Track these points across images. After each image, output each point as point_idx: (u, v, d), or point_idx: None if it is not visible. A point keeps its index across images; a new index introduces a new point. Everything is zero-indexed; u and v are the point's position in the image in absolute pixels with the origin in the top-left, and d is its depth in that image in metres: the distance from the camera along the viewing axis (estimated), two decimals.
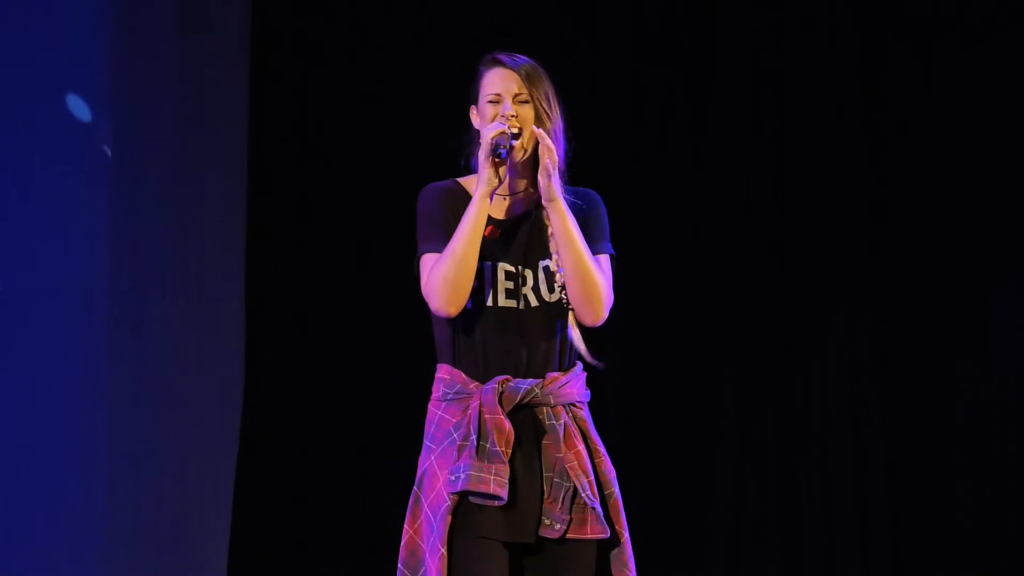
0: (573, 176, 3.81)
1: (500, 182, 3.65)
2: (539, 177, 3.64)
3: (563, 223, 3.64)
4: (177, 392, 6.38)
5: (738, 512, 6.29)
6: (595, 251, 3.73)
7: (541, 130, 3.66)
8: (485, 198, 3.64)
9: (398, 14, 6.39)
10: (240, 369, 6.39)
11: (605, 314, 3.71)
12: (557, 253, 3.70)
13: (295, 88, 6.41)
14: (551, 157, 3.62)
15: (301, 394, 6.34)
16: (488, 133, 3.63)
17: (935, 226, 6.24)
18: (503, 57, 3.75)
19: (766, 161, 6.36)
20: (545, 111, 3.70)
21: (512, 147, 3.64)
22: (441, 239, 3.66)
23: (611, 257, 3.78)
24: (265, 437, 6.35)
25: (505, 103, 3.70)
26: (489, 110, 3.71)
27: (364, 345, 6.27)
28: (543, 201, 3.65)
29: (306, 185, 6.39)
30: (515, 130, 3.67)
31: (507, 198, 3.77)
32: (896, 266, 6.26)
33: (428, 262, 3.68)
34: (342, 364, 6.33)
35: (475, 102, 3.78)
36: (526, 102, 3.71)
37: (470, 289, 3.63)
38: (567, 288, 3.68)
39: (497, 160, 3.62)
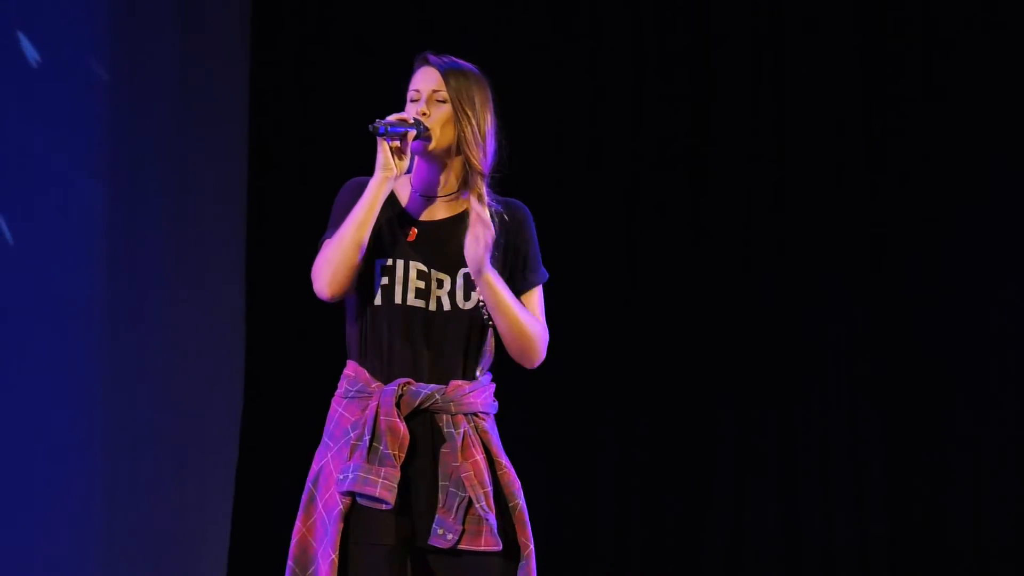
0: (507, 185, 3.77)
1: (399, 171, 3.59)
2: (467, 244, 3.56)
3: (496, 296, 3.58)
4: (176, 393, 6.40)
5: (737, 518, 6.24)
6: (530, 284, 3.69)
7: (476, 200, 3.59)
8: (381, 184, 3.58)
9: (400, 5, 6.40)
10: (240, 370, 6.40)
11: (543, 356, 3.68)
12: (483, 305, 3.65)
13: (296, 83, 6.41)
14: (488, 234, 3.54)
15: (301, 395, 6.33)
16: (389, 118, 3.58)
17: (936, 232, 6.21)
18: (431, 56, 3.71)
19: (767, 168, 6.33)
20: (465, 113, 3.63)
21: (406, 134, 3.58)
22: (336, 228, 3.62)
23: (544, 284, 3.74)
24: (265, 438, 6.35)
25: (422, 100, 3.66)
26: (409, 108, 3.67)
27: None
28: (472, 273, 3.58)
29: (308, 184, 6.40)
30: (425, 125, 3.61)
31: (427, 200, 3.72)
32: (895, 274, 6.23)
33: (323, 248, 3.65)
34: (343, 364, 6.31)
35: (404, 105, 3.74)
36: (444, 101, 3.65)
37: (351, 275, 3.58)
38: (505, 343, 3.65)
39: (390, 141, 3.56)
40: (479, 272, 3.57)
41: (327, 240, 3.65)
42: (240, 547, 6.34)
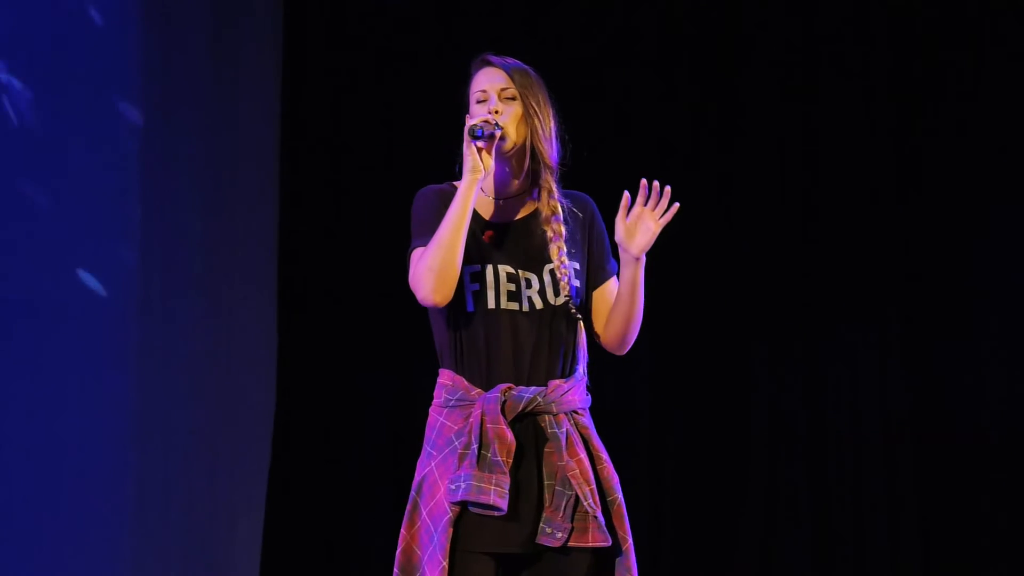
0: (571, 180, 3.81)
1: (486, 171, 3.61)
2: (638, 231, 3.60)
3: (639, 280, 3.64)
4: (209, 393, 6.39)
5: (769, 516, 6.29)
6: (608, 275, 3.74)
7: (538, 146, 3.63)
8: (472, 186, 3.59)
9: (430, 11, 6.40)
10: (272, 371, 6.40)
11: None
12: (561, 261, 3.67)
13: (327, 91, 6.40)
14: (655, 224, 3.60)
15: (334, 400, 6.35)
16: (471, 120, 3.60)
17: (968, 230, 6.23)
18: (492, 57, 3.73)
19: (797, 164, 6.36)
20: (534, 109, 3.66)
21: (494, 135, 3.59)
22: (431, 235, 3.62)
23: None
24: (297, 438, 6.36)
25: (491, 99, 3.68)
26: (477, 109, 3.68)
27: (397, 351, 6.25)
28: (634, 255, 3.61)
29: (339, 189, 6.39)
30: (497, 120, 3.64)
31: (500, 201, 3.74)
32: (928, 274, 6.26)
33: (416, 256, 3.64)
34: (375, 370, 6.33)
35: (466, 107, 3.75)
36: (513, 98, 3.68)
37: (455, 278, 3.59)
38: (610, 326, 3.70)
39: (479, 143, 3.58)
40: (637, 259, 3.61)
41: (418, 248, 3.65)
42: (272, 553, 6.35)
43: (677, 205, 3.62)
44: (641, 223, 3.60)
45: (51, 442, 5.93)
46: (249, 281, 6.46)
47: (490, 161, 3.61)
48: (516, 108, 3.68)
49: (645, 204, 3.61)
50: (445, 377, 3.70)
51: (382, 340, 6.27)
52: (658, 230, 3.61)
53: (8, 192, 5.86)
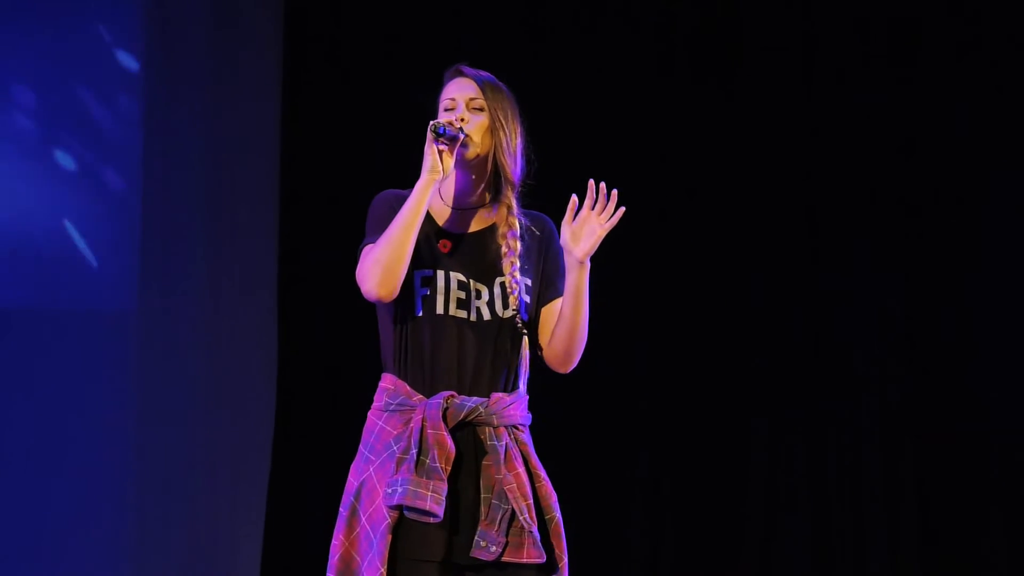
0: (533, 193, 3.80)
1: (444, 174, 3.60)
2: (583, 234, 3.57)
3: (581, 290, 3.61)
4: (209, 402, 6.37)
5: (769, 521, 6.28)
6: (558, 293, 3.71)
7: (500, 159, 3.63)
8: (428, 186, 3.58)
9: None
10: (272, 379, 6.38)
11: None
12: (512, 276, 3.67)
13: (330, 83, 6.39)
14: (601, 227, 3.57)
15: (334, 401, 6.32)
16: (433, 122, 3.58)
17: (971, 222, 6.25)
18: (465, 68, 3.73)
19: (797, 168, 6.39)
20: (501, 123, 3.66)
21: (457, 137, 3.58)
22: (377, 235, 3.62)
23: None
24: (298, 442, 6.33)
25: (459, 107, 3.68)
26: (444, 116, 3.68)
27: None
28: (577, 259, 3.57)
29: (340, 186, 6.38)
30: (462, 126, 3.64)
31: (459, 212, 3.73)
32: (930, 272, 6.26)
33: (366, 252, 3.64)
34: (376, 371, 6.30)
35: (435, 115, 3.75)
36: (481, 109, 3.68)
37: (402, 275, 3.57)
38: (554, 340, 3.67)
39: (440, 144, 3.57)
40: (581, 263, 3.58)
41: (369, 245, 3.64)
42: (273, 548, 6.32)
43: (623, 209, 3.60)
44: (586, 226, 3.58)
45: (52, 442, 5.95)
46: (249, 281, 6.45)
47: (450, 163, 3.61)
48: (483, 119, 3.68)
49: (592, 207, 3.59)
50: (387, 381, 3.68)
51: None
52: (603, 234, 3.58)
53: (8, 192, 5.86)
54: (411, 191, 3.68)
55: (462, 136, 3.61)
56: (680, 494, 6.31)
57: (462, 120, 3.65)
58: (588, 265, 3.61)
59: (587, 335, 3.67)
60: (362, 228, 6.40)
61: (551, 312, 3.72)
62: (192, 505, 6.31)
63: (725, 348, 6.30)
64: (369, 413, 3.72)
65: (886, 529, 6.23)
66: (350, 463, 6.33)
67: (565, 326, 3.65)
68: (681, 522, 6.30)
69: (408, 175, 6.20)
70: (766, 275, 6.32)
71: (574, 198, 3.60)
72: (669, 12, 6.40)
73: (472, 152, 3.66)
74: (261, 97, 6.45)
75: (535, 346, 3.74)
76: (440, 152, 3.59)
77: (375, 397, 3.72)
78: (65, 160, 6.05)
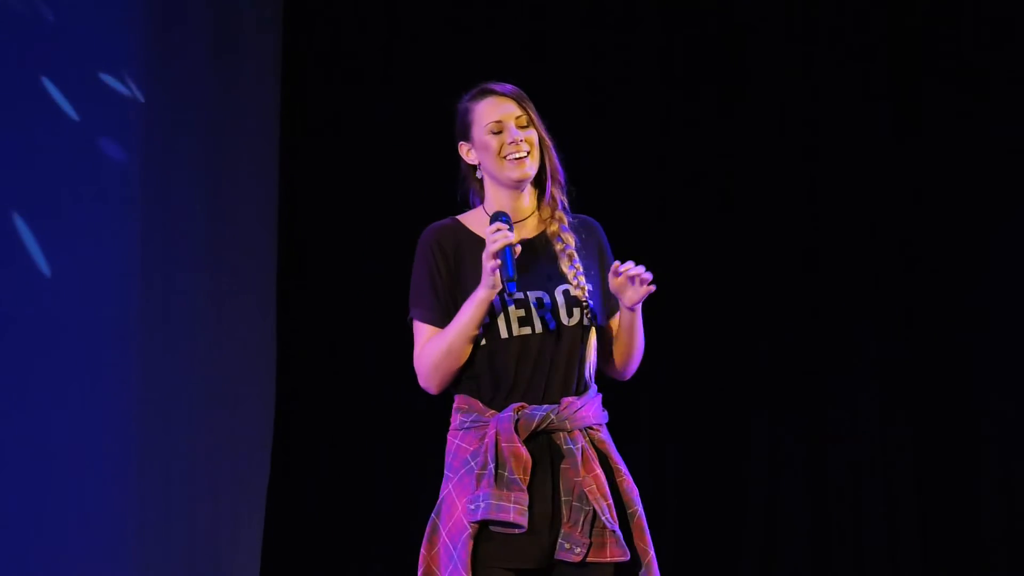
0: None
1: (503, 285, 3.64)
2: (626, 292, 3.64)
3: (637, 326, 3.73)
4: (208, 401, 6.42)
5: (769, 524, 6.29)
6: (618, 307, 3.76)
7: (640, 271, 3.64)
8: (488, 298, 3.63)
9: (432, 12, 6.42)
10: (271, 385, 6.43)
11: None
12: (576, 281, 3.71)
13: (331, 83, 6.43)
14: (642, 286, 3.64)
15: (334, 402, 6.36)
16: (492, 245, 3.58)
17: (972, 227, 6.22)
18: (494, 86, 3.76)
19: (799, 178, 6.37)
20: (544, 130, 3.73)
21: (514, 251, 3.60)
22: (430, 307, 3.69)
23: None
24: (297, 443, 6.39)
25: (511, 130, 3.70)
26: (493, 141, 3.70)
27: (398, 352, 6.23)
28: (629, 306, 3.67)
29: (341, 186, 6.41)
30: (527, 165, 3.69)
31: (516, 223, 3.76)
32: (928, 276, 6.24)
33: (419, 330, 3.71)
34: (376, 372, 6.35)
35: (466, 138, 3.76)
36: (526, 126, 3.72)
37: (457, 374, 3.68)
38: (615, 356, 3.77)
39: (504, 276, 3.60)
40: (632, 308, 3.68)
41: (420, 324, 3.70)
42: (273, 554, 6.38)
43: (653, 288, 3.65)
44: (631, 285, 3.66)
45: (52, 442, 5.96)
46: (249, 282, 6.49)
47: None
48: (533, 135, 3.72)
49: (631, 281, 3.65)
50: (460, 401, 3.74)
51: (383, 341, 6.28)
52: (644, 294, 3.65)
53: (9, 193, 5.88)
54: (452, 220, 3.75)
55: (518, 248, 3.61)
56: (681, 495, 6.33)
57: (525, 142, 3.68)
58: (639, 309, 3.71)
59: (642, 353, 3.79)
60: (363, 230, 6.44)
61: (614, 325, 3.78)
62: (192, 505, 6.35)
63: (725, 349, 6.31)
64: (448, 435, 3.76)
65: (886, 534, 6.22)
66: (350, 463, 6.40)
67: (622, 350, 3.78)
68: (682, 524, 6.32)
69: (408, 175, 6.23)
70: (768, 276, 6.33)
71: (616, 263, 3.66)
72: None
73: (533, 171, 3.72)
74: (262, 100, 6.47)
75: (603, 351, 3.79)
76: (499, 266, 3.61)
77: (451, 419, 3.76)
78: (65, 159, 6.05)
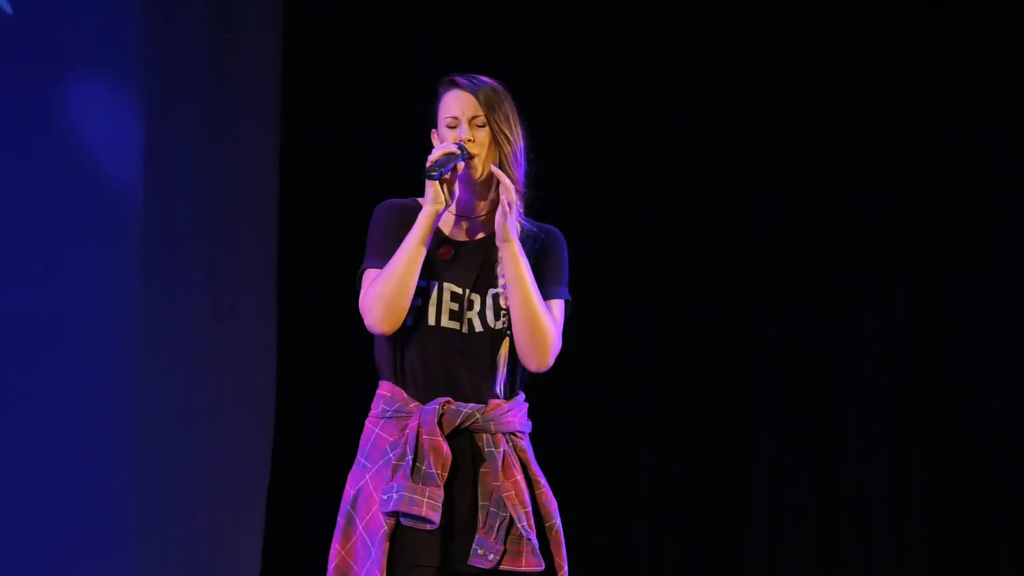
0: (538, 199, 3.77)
1: (448, 202, 3.59)
2: (496, 215, 3.59)
3: (515, 265, 3.58)
4: (209, 402, 6.39)
5: (774, 529, 6.25)
6: (548, 295, 3.65)
7: (499, 170, 3.59)
8: (430, 217, 3.57)
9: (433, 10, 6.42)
10: (271, 384, 6.40)
11: (550, 361, 3.63)
12: (504, 288, 3.64)
13: (330, 82, 6.41)
14: (509, 197, 3.57)
15: (334, 402, 6.32)
16: (433, 154, 3.57)
17: (977, 229, 6.20)
18: (460, 79, 3.70)
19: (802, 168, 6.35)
20: (504, 134, 3.64)
21: (456, 167, 3.58)
22: (384, 255, 3.60)
23: (566, 303, 3.70)
24: (298, 445, 6.34)
25: (462, 127, 3.65)
26: (447, 134, 3.66)
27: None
28: (497, 240, 3.59)
29: (341, 185, 6.39)
30: (470, 152, 3.62)
31: (467, 220, 3.70)
32: (936, 275, 6.22)
33: (368, 277, 3.63)
34: (373, 380, 6.29)
35: (435, 125, 3.73)
36: (483, 125, 3.65)
37: (406, 309, 3.57)
38: (514, 331, 3.61)
39: (441, 179, 3.56)
40: (504, 239, 3.56)
41: (370, 270, 3.63)
42: (273, 550, 6.33)
43: (509, 203, 3.57)
44: (500, 201, 3.58)
45: (52, 442, 5.95)
46: (249, 282, 6.47)
47: (454, 190, 3.60)
48: (486, 134, 3.65)
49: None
50: (384, 388, 3.67)
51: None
52: (504, 210, 3.55)
53: (9, 195, 5.89)
54: (413, 200, 3.68)
55: (461, 164, 3.59)
56: (683, 499, 6.28)
57: (470, 142, 3.63)
58: (512, 244, 3.57)
59: (549, 327, 3.60)
60: (362, 231, 6.40)
61: None
62: (192, 506, 6.32)
63: (730, 354, 6.27)
64: (366, 421, 3.70)
65: (895, 542, 6.19)
66: (350, 464, 6.33)
67: (516, 312, 3.59)
68: (685, 528, 6.27)
69: (408, 176, 6.22)
70: (772, 276, 6.29)
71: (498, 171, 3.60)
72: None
73: (478, 172, 3.65)
74: (261, 100, 6.47)
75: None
76: (442, 183, 3.57)
77: (372, 405, 3.70)
78: (65, 159, 6.06)
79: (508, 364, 3.64)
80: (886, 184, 6.26)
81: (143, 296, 6.24)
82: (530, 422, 3.70)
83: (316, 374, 6.37)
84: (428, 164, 3.56)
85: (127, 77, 6.25)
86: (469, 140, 3.63)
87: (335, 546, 3.61)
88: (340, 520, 3.62)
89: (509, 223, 3.57)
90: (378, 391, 3.68)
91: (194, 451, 6.35)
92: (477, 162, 3.63)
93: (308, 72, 6.43)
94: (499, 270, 3.64)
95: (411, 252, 3.56)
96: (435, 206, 3.57)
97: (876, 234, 6.25)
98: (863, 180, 6.27)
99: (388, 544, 3.50)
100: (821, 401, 6.25)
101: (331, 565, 3.61)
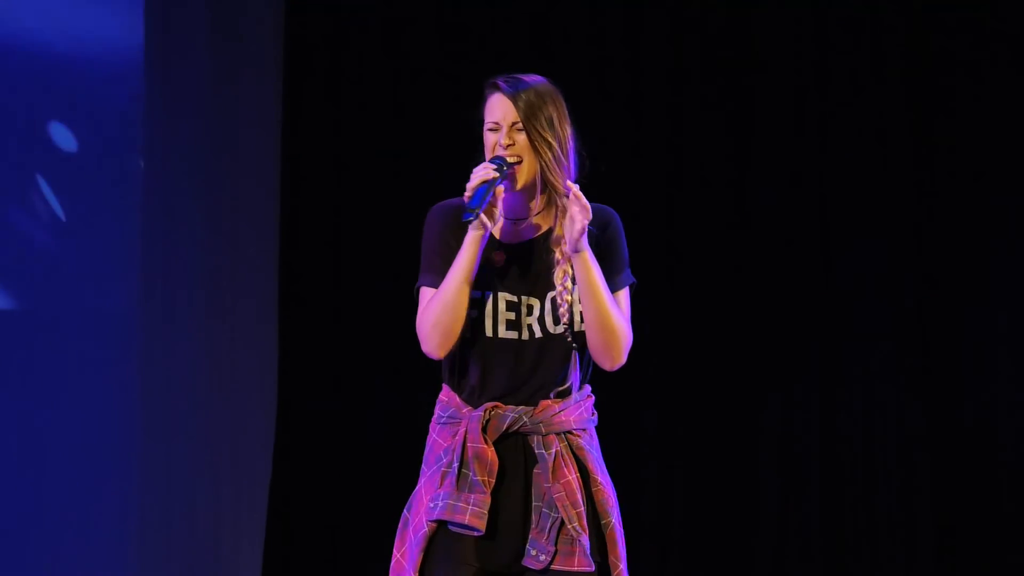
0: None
1: (492, 224, 3.59)
2: (566, 225, 3.55)
3: (588, 275, 3.56)
4: (209, 402, 6.45)
5: (781, 537, 6.22)
6: (615, 286, 3.64)
7: (576, 186, 3.54)
8: (475, 242, 3.56)
9: (433, 14, 6.39)
10: (273, 388, 6.45)
11: (624, 359, 3.63)
12: (564, 288, 3.62)
13: (331, 83, 6.43)
14: (585, 215, 3.52)
15: (335, 404, 6.38)
16: (471, 182, 3.55)
17: (983, 238, 6.14)
18: (502, 83, 3.66)
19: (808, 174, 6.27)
20: (543, 140, 3.60)
21: (495, 192, 3.55)
22: (437, 271, 3.62)
23: (630, 286, 3.69)
24: (299, 446, 6.41)
25: (503, 133, 3.63)
26: (488, 138, 3.65)
27: (399, 355, 6.19)
28: (568, 250, 3.56)
29: (342, 188, 6.43)
30: (513, 159, 3.60)
31: (514, 223, 3.69)
32: (943, 283, 6.17)
33: (423, 296, 3.65)
34: (377, 374, 6.36)
35: (481, 127, 3.71)
36: (523, 130, 3.62)
37: (459, 333, 3.58)
38: (587, 335, 3.61)
39: (480, 209, 3.54)
40: (575, 250, 3.54)
41: (424, 288, 3.65)
42: (274, 551, 6.40)
43: (584, 221, 3.53)
44: (571, 218, 3.54)
45: (52, 442, 6.05)
46: (250, 282, 6.50)
47: (496, 210, 3.60)
48: (525, 140, 3.62)
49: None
50: (444, 393, 3.70)
51: (384, 343, 6.28)
52: (581, 225, 3.51)
53: (10, 196, 5.97)
54: (458, 201, 3.64)
55: (500, 185, 3.56)
56: (687, 502, 6.26)
57: (510, 145, 3.61)
58: (584, 253, 3.54)
59: (622, 328, 3.59)
60: (363, 227, 6.41)
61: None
62: (193, 505, 6.37)
63: (737, 358, 6.22)
64: (429, 424, 3.73)
65: (904, 553, 6.12)
66: (351, 462, 6.36)
67: (591, 318, 3.59)
68: (691, 525, 6.26)
69: (412, 175, 6.20)
70: (780, 278, 6.24)
71: (574, 186, 3.56)
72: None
73: (522, 180, 3.63)
74: (262, 100, 6.47)
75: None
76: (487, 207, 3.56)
77: (435, 408, 3.72)
78: (64, 159, 6.11)
79: (567, 366, 3.63)
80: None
81: (143, 296, 6.28)
82: (595, 416, 3.69)
83: (316, 374, 6.38)
84: (465, 198, 3.53)
85: (127, 77, 6.27)
86: (509, 144, 3.61)
87: (394, 550, 3.67)
88: (399, 524, 3.67)
89: (580, 236, 3.53)
90: (439, 395, 3.71)
91: (195, 451, 6.38)
92: (517, 169, 3.62)
93: (309, 72, 6.43)
94: (558, 273, 3.62)
95: (459, 280, 3.56)
96: (478, 231, 3.57)
97: (880, 234, 6.19)
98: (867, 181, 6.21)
99: (426, 544, 3.56)
100: (829, 405, 6.20)
101: (390, 567, 3.66)
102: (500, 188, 3.56)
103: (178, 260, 6.39)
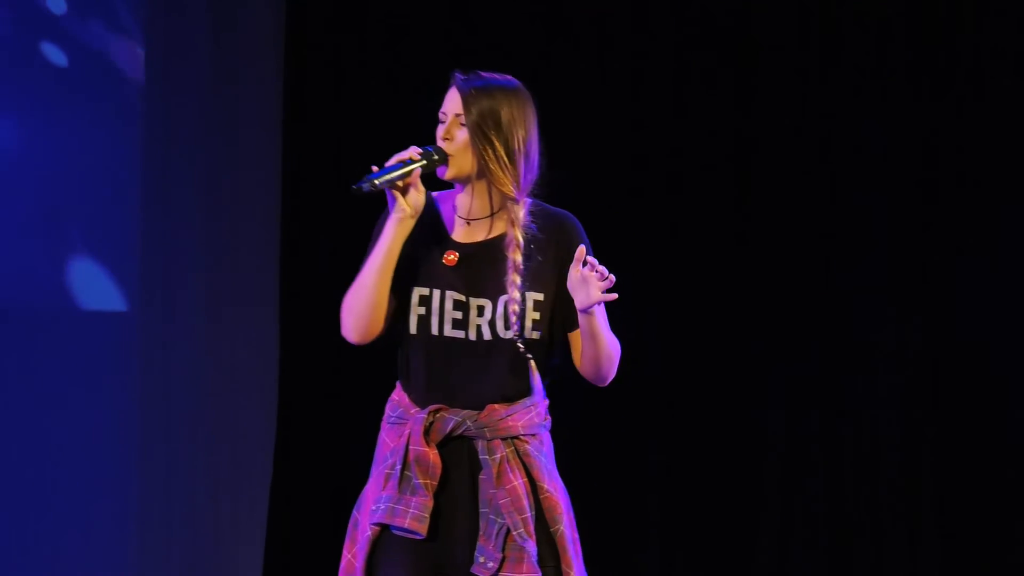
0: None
1: (413, 209, 3.53)
2: (580, 291, 3.44)
3: (594, 328, 3.48)
4: (209, 404, 6.43)
5: (784, 532, 6.17)
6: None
7: (593, 259, 3.44)
8: (395, 226, 3.53)
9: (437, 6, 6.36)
10: (274, 388, 6.41)
11: (614, 374, 3.61)
12: (513, 299, 3.55)
13: (332, 78, 6.38)
14: (601, 289, 3.40)
15: (335, 405, 6.34)
16: (392, 159, 3.53)
17: (987, 236, 6.07)
18: (458, 75, 3.62)
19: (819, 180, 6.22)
20: (485, 138, 3.54)
21: (408, 174, 3.51)
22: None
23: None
24: (299, 448, 6.37)
25: (445, 123, 3.60)
26: (438, 129, 3.61)
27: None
28: (577, 305, 3.46)
29: (343, 186, 6.33)
30: (443, 152, 3.56)
31: (469, 222, 3.63)
32: (948, 283, 6.10)
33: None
34: (377, 374, 6.28)
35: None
36: (463, 125, 3.57)
37: (377, 321, 3.55)
38: (584, 367, 3.57)
39: (389, 186, 3.51)
40: (589, 313, 3.47)
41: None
42: (275, 552, 6.36)
43: (611, 297, 3.44)
44: (587, 284, 3.45)
45: (52, 443, 6.05)
46: (250, 283, 6.47)
47: (418, 197, 3.54)
48: (465, 135, 3.57)
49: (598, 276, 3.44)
50: (396, 392, 3.66)
51: (384, 343, 6.23)
52: (597, 299, 3.43)
53: (9, 197, 5.97)
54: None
55: (413, 167, 3.52)
56: (688, 503, 6.21)
57: (447, 139, 3.57)
58: (598, 311, 3.48)
59: (617, 355, 3.56)
60: (363, 228, 6.38)
61: (578, 336, 3.58)
62: (193, 506, 6.35)
63: (741, 354, 6.16)
64: (380, 423, 3.69)
65: (907, 543, 6.06)
66: (351, 464, 6.33)
67: (589, 357, 3.55)
68: (693, 529, 6.21)
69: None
70: (784, 277, 6.18)
71: (581, 248, 3.48)
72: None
73: (454, 172, 3.58)
74: (262, 101, 6.43)
75: (553, 364, 3.64)
76: (399, 190, 3.52)
77: (385, 408, 3.69)
78: (64, 160, 6.11)
79: (515, 371, 3.57)
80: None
81: (143, 296, 6.26)
82: (547, 421, 3.63)
83: (317, 374, 6.34)
84: (357, 184, 3.52)
85: (127, 77, 6.26)
86: (446, 138, 3.56)
87: (344, 550, 3.63)
88: (349, 524, 3.64)
89: (597, 304, 3.45)
90: (392, 394, 3.67)
91: (195, 452, 6.35)
92: (452, 163, 3.57)
93: (309, 72, 6.38)
94: (510, 279, 3.55)
95: (378, 263, 3.53)
96: (397, 215, 3.53)
97: (884, 235, 6.13)
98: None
99: (370, 548, 3.52)
100: (833, 395, 6.15)
101: (340, 569, 3.63)
102: (411, 168, 3.51)
103: (178, 260, 6.38)
